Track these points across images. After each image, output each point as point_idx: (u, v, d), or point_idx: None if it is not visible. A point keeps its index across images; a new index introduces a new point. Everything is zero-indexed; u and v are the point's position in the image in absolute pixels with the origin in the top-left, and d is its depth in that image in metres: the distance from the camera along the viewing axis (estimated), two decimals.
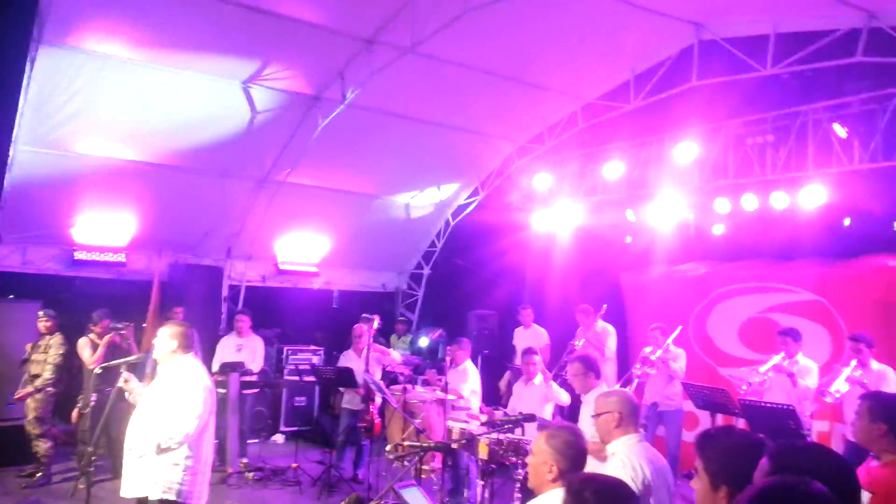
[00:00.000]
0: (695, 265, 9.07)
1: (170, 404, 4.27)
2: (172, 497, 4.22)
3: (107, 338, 7.35)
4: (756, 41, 7.27)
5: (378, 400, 7.57)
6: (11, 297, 9.00)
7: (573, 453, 2.87)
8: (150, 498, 4.22)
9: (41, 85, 7.28)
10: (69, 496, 6.60)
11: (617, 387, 6.39)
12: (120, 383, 4.56)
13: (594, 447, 3.53)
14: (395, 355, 8.16)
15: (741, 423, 6.14)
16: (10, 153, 7.92)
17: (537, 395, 6.46)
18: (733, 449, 2.26)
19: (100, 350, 7.28)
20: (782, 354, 6.58)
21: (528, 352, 6.79)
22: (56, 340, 7.35)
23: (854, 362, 6.17)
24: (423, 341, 10.53)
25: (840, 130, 7.13)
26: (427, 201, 11.16)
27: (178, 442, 4.21)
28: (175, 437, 4.20)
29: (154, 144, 8.71)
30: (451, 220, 11.77)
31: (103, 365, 6.27)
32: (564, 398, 6.54)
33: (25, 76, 7.04)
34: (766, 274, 8.22)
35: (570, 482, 2.33)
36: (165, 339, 4.46)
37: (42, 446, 7.15)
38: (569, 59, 8.25)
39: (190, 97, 8.09)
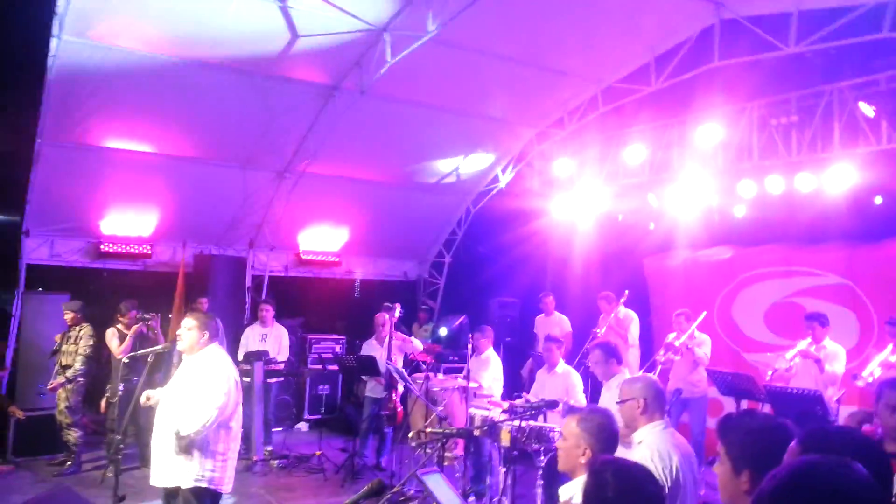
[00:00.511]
0: (719, 249, 8.95)
1: (194, 395, 4.32)
2: (204, 485, 4.28)
3: (134, 328, 7.46)
4: (778, 19, 7.13)
5: (400, 388, 7.60)
6: (40, 289, 9.17)
7: (606, 436, 2.90)
8: (182, 487, 4.28)
9: (63, 79, 7.36)
10: (98, 484, 6.73)
11: (641, 373, 6.34)
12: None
13: (621, 432, 3.51)
14: (417, 344, 8.18)
15: (766, 409, 6.07)
16: (35, 148, 8.04)
17: (560, 382, 6.44)
18: (755, 432, 2.23)
19: (127, 340, 7.40)
20: (809, 339, 6.48)
21: (549, 339, 6.77)
22: (86, 331, 7.48)
23: (891, 346, 6.04)
24: (443, 331, 10.53)
25: (867, 109, 6.97)
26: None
27: (196, 432, 4.23)
28: (194, 427, 4.23)
29: (176, 137, 8.79)
30: (471, 207, 11.74)
31: (131, 354, 6.38)
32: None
33: (48, 71, 7.14)
34: (792, 257, 8.09)
35: (593, 463, 2.33)
36: (191, 329, 4.49)
37: (72, 435, 7.29)
38: (588, 42, 8.16)
39: (210, 89, 8.13)
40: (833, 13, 6.70)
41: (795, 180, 7.58)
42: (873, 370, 5.96)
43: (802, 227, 8.02)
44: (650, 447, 3.24)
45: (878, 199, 7.36)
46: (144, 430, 7.37)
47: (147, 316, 7.56)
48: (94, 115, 8.02)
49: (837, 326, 7.03)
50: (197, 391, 4.32)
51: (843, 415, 6.76)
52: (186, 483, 4.27)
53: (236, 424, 4.53)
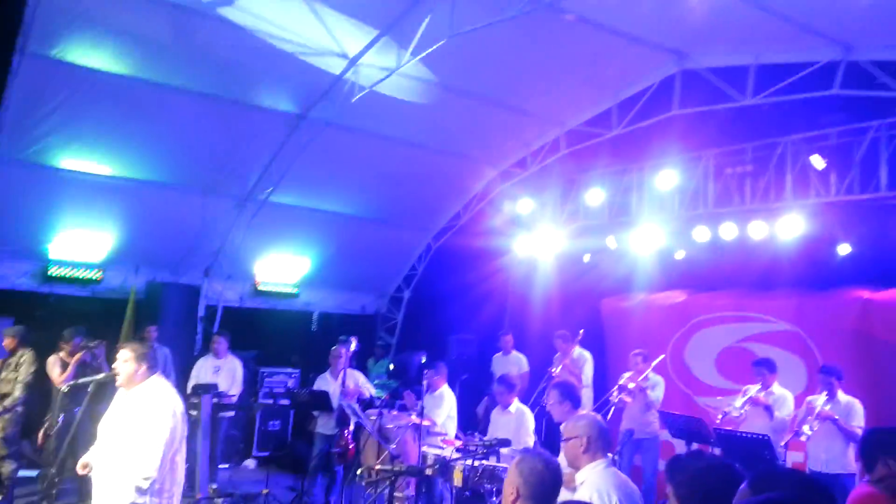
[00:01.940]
0: (673, 293, 9.09)
1: (139, 433, 4.13)
2: None
3: (77, 356, 7.19)
4: (736, 72, 7.40)
5: (352, 425, 7.46)
6: None
7: (535, 480, 2.79)
8: None
9: (23, 96, 7.21)
10: None
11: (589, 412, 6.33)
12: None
13: (566, 477, 3.48)
14: (371, 388, 8.06)
15: (717, 452, 6.10)
16: None
17: (513, 422, 6.39)
18: (702, 473, 2.28)
19: (69, 369, 7.13)
20: (758, 386, 6.58)
21: (501, 381, 6.73)
22: (27, 358, 7.18)
23: (825, 395, 6.17)
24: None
25: (818, 162, 7.21)
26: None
27: (153, 478, 4.06)
28: (150, 475, 4.06)
29: (135, 159, 8.64)
30: (432, 243, 11.75)
31: (71, 383, 6.13)
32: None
33: (6, 87, 6.99)
34: (744, 303, 8.25)
35: None
36: (126, 361, 4.29)
37: (6, 468, 6.94)
38: (552, 85, 8.33)
39: (174, 112, 8.05)
40: (788, 69, 6.98)
41: (748, 228, 7.77)
42: (813, 423, 6.05)
43: (754, 274, 8.19)
44: (591, 487, 3.22)
45: (846, 248, 7.51)
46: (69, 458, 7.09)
47: (91, 343, 7.30)
48: (53, 134, 7.86)
49: (787, 372, 7.15)
50: (140, 429, 4.13)
51: (791, 459, 6.86)
52: None
53: (181, 459, 4.35)
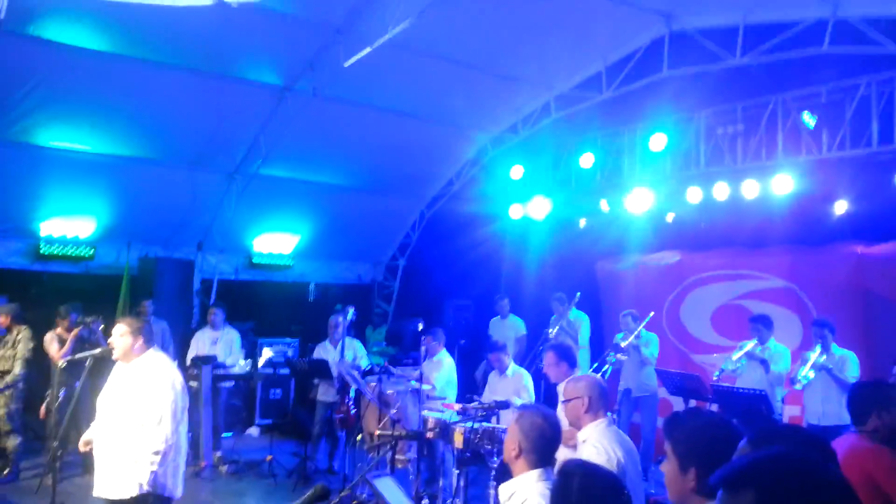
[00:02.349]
0: (668, 254, 9.15)
1: (141, 408, 4.16)
2: (149, 489, 4.14)
3: (74, 332, 7.21)
4: (726, 32, 7.34)
5: (353, 392, 7.55)
6: None
7: (536, 435, 2.88)
8: (127, 497, 4.12)
9: (1, 76, 7.10)
10: (35, 492, 6.49)
11: (589, 373, 6.42)
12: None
13: (566, 435, 3.55)
14: (365, 362, 8.13)
15: (714, 409, 6.22)
16: None
17: (511, 384, 6.48)
18: (701, 430, 2.24)
19: (67, 344, 7.15)
20: (755, 341, 6.67)
21: (494, 349, 6.80)
22: (24, 335, 7.21)
23: (819, 347, 6.28)
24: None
25: (809, 119, 7.22)
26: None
27: (163, 452, 4.14)
28: (159, 448, 4.13)
29: (121, 136, 8.54)
30: (425, 211, 11.74)
31: (69, 358, 6.16)
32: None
33: None
34: (738, 261, 8.32)
35: (564, 465, 2.32)
36: (123, 335, 4.30)
37: (11, 443, 7.01)
38: (541, 49, 8.24)
39: (158, 88, 7.94)
40: (777, 27, 6.94)
41: (741, 187, 7.80)
42: (807, 373, 6.17)
43: (748, 232, 8.25)
44: (594, 444, 3.29)
45: (839, 204, 7.53)
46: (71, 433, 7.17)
47: (87, 319, 7.32)
48: (35, 112, 7.73)
49: (782, 328, 7.26)
50: (141, 404, 4.16)
51: (788, 413, 7.00)
52: (134, 492, 4.11)
53: (183, 430, 4.39)
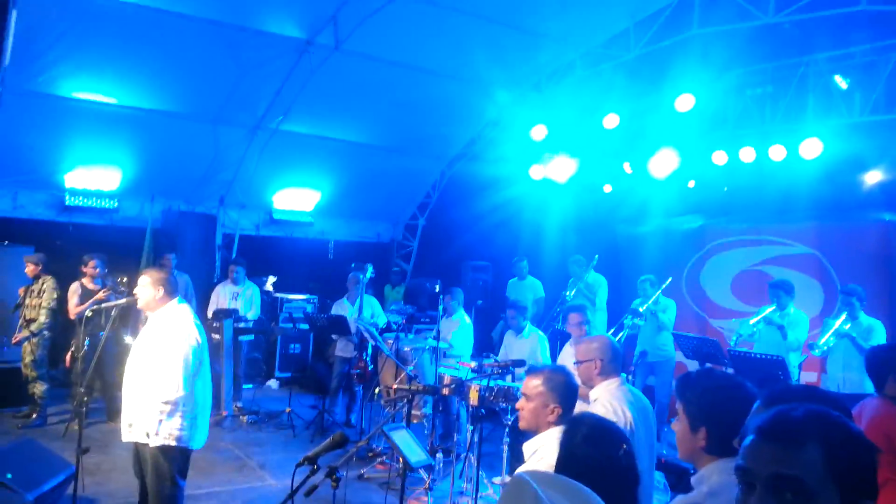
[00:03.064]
0: (691, 217, 9.04)
1: (161, 357, 4.24)
2: (172, 443, 4.24)
3: (99, 294, 7.31)
4: None
5: (370, 347, 7.64)
6: (5, 242, 8.96)
7: (570, 393, 2.95)
8: (150, 445, 4.24)
9: (26, 25, 7.10)
10: (62, 436, 6.70)
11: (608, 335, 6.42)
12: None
13: (580, 391, 3.58)
14: (381, 319, 8.18)
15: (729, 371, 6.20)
16: None
17: (527, 345, 6.51)
18: (712, 390, 2.23)
19: (86, 304, 7.25)
20: (773, 306, 6.61)
21: (512, 306, 6.85)
22: (49, 284, 7.36)
23: (844, 315, 6.20)
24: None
25: (841, 82, 7.02)
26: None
27: (174, 402, 4.21)
28: (169, 398, 4.19)
29: (145, 89, 8.55)
30: (446, 170, 11.68)
31: (94, 307, 6.30)
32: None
33: (9, 19, 6.88)
34: (761, 227, 8.20)
35: (568, 420, 2.35)
36: (144, 286, 4.38)
37: (38, 388, 7.22)
38: (567, 4, 8.06)
39: (180, 40, 7.91)
40: None
41: (768, 151, 7.63)
42: (828, 339, 6.12)
43: (773, 197, 8.11)
44: (604, 405, 3.31)
45: (868, 170, 7.34)
46: (110, 384, 7.35)
47: (116, 286, 7.43)
48: (60, 63, 7.76)
49: (803, 295, 7.18)
50: (164, 355, 4.24)
51: (804, 380, 6.97)
52: (154, 442, 4.22)
53: (201, 382, 4.44)
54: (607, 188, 9.81)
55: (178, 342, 4.26)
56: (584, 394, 3.74)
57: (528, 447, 3.00)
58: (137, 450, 4.40)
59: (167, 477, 4.29)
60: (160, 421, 4.19)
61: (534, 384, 3.00)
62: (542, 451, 2.87)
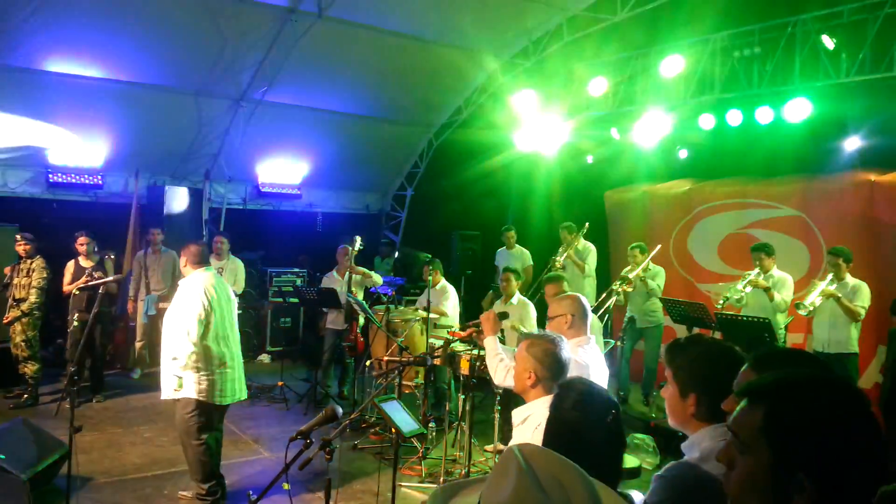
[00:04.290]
0: (678, 182, 9.03)
1: (174, 320, 4.74)
2: (194, 396, 4.72)
3: (82, 280, 7.28)
4: None
5: (361, 319, 7.64)
6: None
7: (551, 361, 2.94)
8: (178, 399, 4.74)
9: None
10: (54, 415, 6.69)
11: (593, 305, 6.46)
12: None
13: None
14: (377, 278, 8.17)
15: (717, 336, 6.26)
16: None
17: (516, 313, 6.53)
18: (701, 357, 2.23)
19: (74, 284, 7.24)
20: (757, 269, 6.66)
21: (505, 271, 6.90)
22: (38, 264, 7.29)
23: (830, 276, 6.25)
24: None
25: (828, 42, 6.97)
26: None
27: (184, 361, 4.65)
28: (180, 359, 4.66)
29: (125, 61, 8.41)
30: (434, 139, 11.59)
31: (81, 285, 6.27)
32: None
33: None
34: (748, 190, 8.21)
35: (568, 380, 2.37)
36: (181, 258, 5.00)
37: (30, 368, 7.19)
38: None
39: (160, 10, 7.76)
40: None
41: (755, 113, 7.61)
42: (815, 299, 6.18)
43: (760, 160, 8.11)
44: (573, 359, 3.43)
45: (854, 130, 7.34)
46: (100, 360, 7.37)
47: (108, 263, 7.47)
48: (36, 35, 7.61)
49: (790, 257, 7.23)
50: (174, 316, 4.75)
51: (791, 341, 7.05)
52: (174, 397, 4.75)
53: (214, 344, 4.79)
54: (590, 159, 9.78)
55: (187, 305, 4.70)
56: None
57: (516, 414, 3.04)
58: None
59: (188, 431, 4.76)
60: (177, 377, 4.66)
61: (521, 349, 3.04)
62: (532, 419, 2.90)
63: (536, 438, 2.69)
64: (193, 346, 4.65)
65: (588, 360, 3.47)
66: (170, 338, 4.72)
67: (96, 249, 7.59)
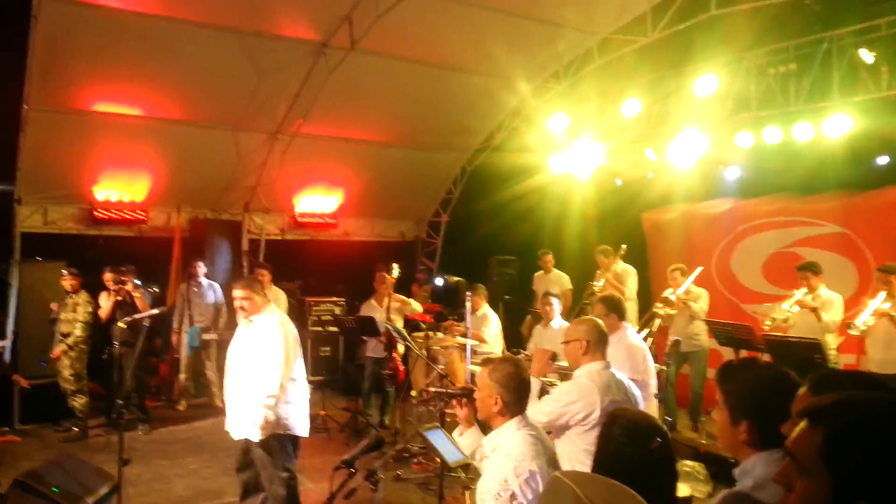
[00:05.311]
0: (717, 202, 8.92)
1: (260, 358, 4.72)
2: (281, 431, 4.74)
3: (112, 298, 7.46)
4: None
5: (401, 348, 7.65)
6: (37, 258, 9.10)
7: (515, 385, 2.94)
8: (262, 438, 4.67)
9: (47, 41, 7.21)
10: (104, 448, 6.80)
11: (635, 328, 6.37)
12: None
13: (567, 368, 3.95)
14: (416, 305, 8.18)
15: (766, 359, 6.11)
16: (22, 114, 7.91)
17: (557, 337, 6.46)
18: (755, 381, 2.18)
19: (107, 308, 7.41)
20: (805, 289, 6.50)
21: (546, 295, 6.85)
22: (83, 298, 7.48)
23: (883, 294, 6.07)
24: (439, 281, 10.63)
25: (867, 56, 6.86)
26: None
27: (276, 395, 4.66)
28: (273, 394, 4.64)
29: (165, 100, 8.65)
30: (467, 165, 11.65)
31: (127, 319, 6.41)
32: None
33: (31, 33, 6.99)
34: (790, 208, 8.07)
35: (610, 413, 2.39)
36: (252, 296, 4.86)
37: (79, 402, 7.35)
38: None
39: (198, 49, 7.98)
40: None
41: (793, 130, 7.50)
42: (867, 318, 6.00)
43: (800, 178, 7.98)
44: (580, 381, 3.60)
45: (875, 152, 7.25)
46: (143, 392, 7.50)
47: (122, 278, 7.54)
48: (81, 78, 7.88)
49: (836, 275, 7.05)
50: (261, 356, 4.73)
51: (843, 362, 6.84)
52: (266, 433, 4.65)
53: (299, 376, 4.93)
54: (627, 172, 9.70)
55: (272, 347, 4.73)
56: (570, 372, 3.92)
57: (486, 443, 3.05)
58: (247, 447, 4.80)
59: (280, 465, 4.77)
60: (268, 413, 4.61)
61: (483, 374, 3.05)
62: (502, 447, 2.90)
63: (508, 466, 2.75)
64: (284, 380, 4.72)
65: (597, 383, 3.54)
66: (254, 374, 4.71)
67: (140, 283, 7.75)
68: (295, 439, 4.88)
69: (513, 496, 2.69)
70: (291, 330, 4.89)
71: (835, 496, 1.15)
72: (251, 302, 4.79)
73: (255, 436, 4.66)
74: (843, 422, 1.18)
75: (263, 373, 4.66)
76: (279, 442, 4.74)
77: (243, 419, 4.71)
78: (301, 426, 4.89)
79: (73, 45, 7.41)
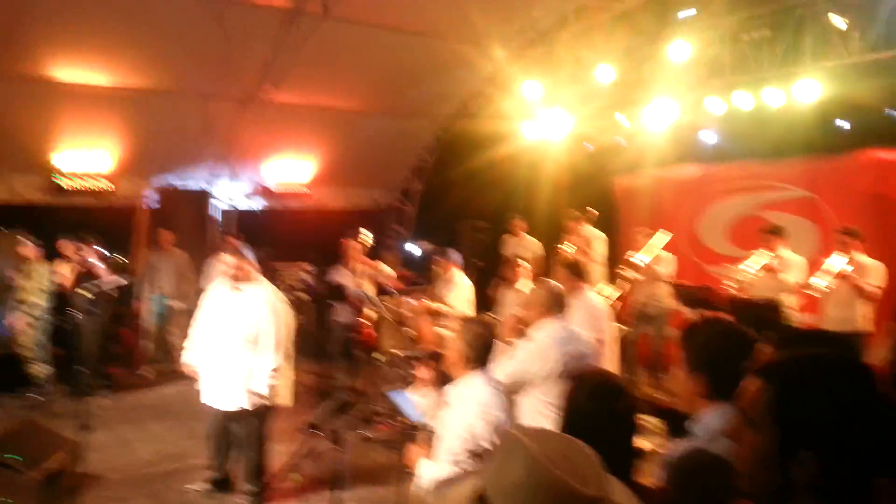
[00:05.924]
0: (688, 167, 8.95)
1: (256, 330, 4.80)
2: (268, 402, 4.88)
3: (70, 266, 7.37)
4: None
5: (372, 313, 7.61)
6: (1, 228, 8.85)
7: (479, 344, 3.28)
8: (248, 408, 4.80)
9: (6, 10, 6.95)
10: (65, 415, 6.68)
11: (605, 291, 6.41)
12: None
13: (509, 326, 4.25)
14: (389, 270, 8.13)
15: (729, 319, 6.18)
16: None
17: (522, 299, 6.48)
18: (713, 336, 2.27)
19: (71, 276, 7.36)
20: (766, 251, 6.59)
21: (514, 257, 6.87)
22: (42, 266, 7.33)
23: (841, 255, 6.17)
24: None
25: (839, 22, 6.85)
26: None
27: (277, 366, 4.82)
28: (276, 366, 4.83)
29: (132, 68, 8.43)
30: (440, 132, 11.53)
31: (87, 286, 6.30)
32: None
33: None
34: (758, 172, 8.13)
35: (576, 373, 2.47)
36: (243, 262, 4.99)
37: (38, 370, 7.22)
38: None
39: (165, 16, 7.75)
40: None
41: (764, 95, 7.51)
42: (826, 279, 6.10)
43: (770, 143, 8.01)
44: (535, 339, 3.87)
45: (864, 109, 7.26)
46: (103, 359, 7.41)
47: (81, 245, 7.41)
48: (42, 44, 7.66)
49: (801, 238, 7.14)
50: (259, 328, 4.81)
51: (803, 321, 6.96)
52: (254, 403, 4.79)
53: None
54: (600, 138, 9.67)
55: (283, 316, 4.94)
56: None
57: (450, 392, 3.35)
58: (225, 415, 4.86)
59: (262, 436, 4.94)
60: (263, 384, 4.74)
61: (455, 332, 3.38)
62: (471, 397, 3.20)
63: (476, 411, 3.10)
64: (281, 351, 4.87)
65: (552, 338, 3.80)
66: (248, 345, 4.78)
67: (106, 253, 7.62)
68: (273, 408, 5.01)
69: (478, 437, 3.01)
70: (284, 302, 5.03)
71: (780, 447, 1.23)
72: (243, 270, 4.89)
73: (248, 405, 4.77)
74: (788, 379, 1.27)
75: (263, 346, 4.77)
76: (266, 411, 4.90)
77: (230, 389, 4.76)
78: (286, 397, 5.08)
79: (32, 10, 7.15)
